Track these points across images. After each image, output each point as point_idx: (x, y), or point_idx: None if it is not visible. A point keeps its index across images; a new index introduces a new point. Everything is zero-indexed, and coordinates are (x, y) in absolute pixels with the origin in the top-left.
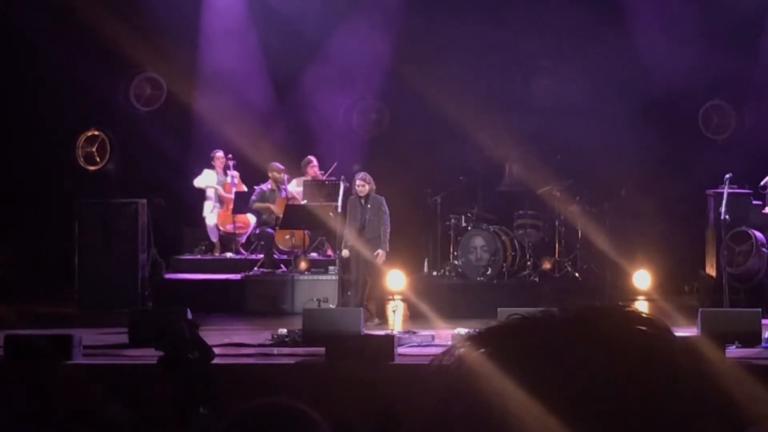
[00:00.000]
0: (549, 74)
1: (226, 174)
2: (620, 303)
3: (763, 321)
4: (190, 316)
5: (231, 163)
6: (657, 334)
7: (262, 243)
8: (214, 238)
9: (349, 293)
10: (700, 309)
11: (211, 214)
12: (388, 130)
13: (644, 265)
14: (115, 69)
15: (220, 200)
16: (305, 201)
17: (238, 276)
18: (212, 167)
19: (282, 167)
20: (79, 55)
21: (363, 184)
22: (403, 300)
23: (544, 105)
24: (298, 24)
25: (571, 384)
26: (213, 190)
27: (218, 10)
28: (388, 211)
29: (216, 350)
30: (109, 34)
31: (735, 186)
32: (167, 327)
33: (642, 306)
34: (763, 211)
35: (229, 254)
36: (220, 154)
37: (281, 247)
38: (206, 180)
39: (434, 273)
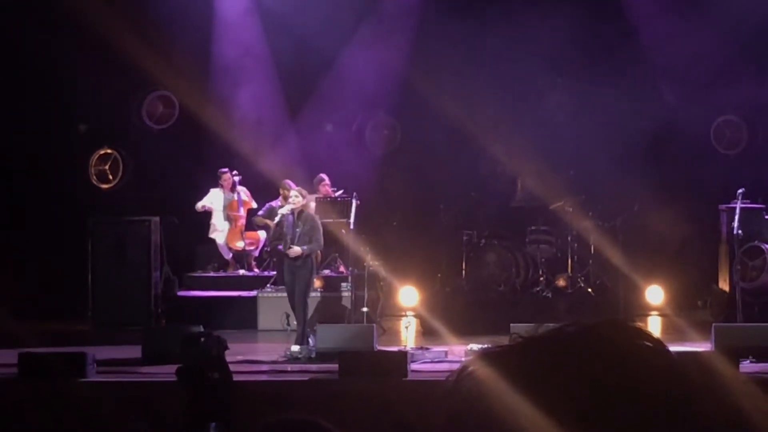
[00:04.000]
0: (561, 90)
1: (233, 191)
2: (621, 318)
3: None
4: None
5: (237, 179)
6: (659, 348)
7: (275, 260)
8: (227, 256)
9: (364, 309)
10: (713, 324)
11: (220, 234)
12: (400, 146)
13: (657, 281)
14: (128, 87)
15: (229, 218)
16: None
17: (250, 293)
18: (219, 186)
19: (293, 185)
20: (92, 74)
21: (297, 195)
22: (416, 316)
23: (556, 120)
24: (311, 40)
25: (582, 399)
26: (219, 211)
27: (231, 27)
28: (321, 230)
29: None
30: (122, 52)
31: (748, 201)
32: (196, 340)
33: (655, 321)
34: None
35: (241, 271)
36: (227, 174)
37: None
38: (210, 198)
39: (447, 289)
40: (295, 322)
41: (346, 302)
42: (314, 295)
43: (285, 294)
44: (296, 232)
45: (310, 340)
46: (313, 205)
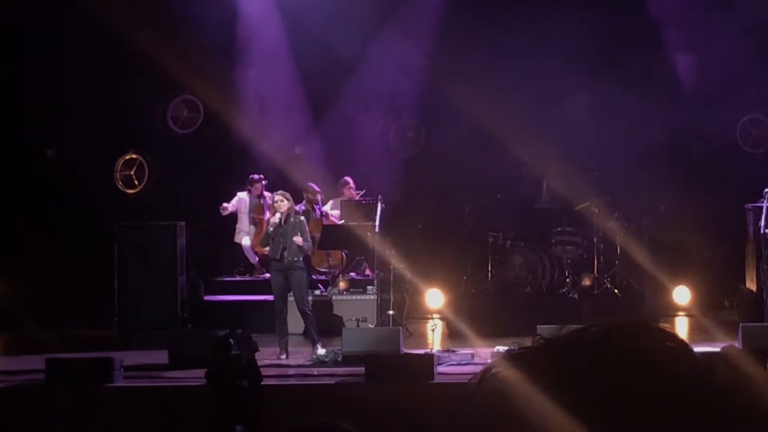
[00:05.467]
0: (585, 91)
1: (260, 197)
2: (645, 319)
3: None
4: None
5: (263, 183)
6: (684, 349)
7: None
8: (253, 260)
9: (390, 312)
10: (740, 324)
11: (246, 237)
12: (424, 148)
13: (684, 281)
14: (152, 92)
15: (254, 222)
16: (343, 221)
17: None
18: (247, 191)
19: (317, 189)
20: (117, 78)
21: (282, 200)
22: (442, 318)
23: (581, 121)
24: (334, 43)
25: (607, 401)
26: (245, 215)
27: (255, 32)
28: (309, 233)
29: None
30: (147, 57)
31: None
32: (226, 345)
33: (682, 321)
34: None
35: (267, 275)
36: (259, 184)
37: (318, 268)
38: (236, 202)
39: (472, 291)
40: (322, 326)
41: (372, 305)
42: (340, 298)
43: (313, 298)
44: (287, 237)
45: (319, 346)
46: (336, 212)
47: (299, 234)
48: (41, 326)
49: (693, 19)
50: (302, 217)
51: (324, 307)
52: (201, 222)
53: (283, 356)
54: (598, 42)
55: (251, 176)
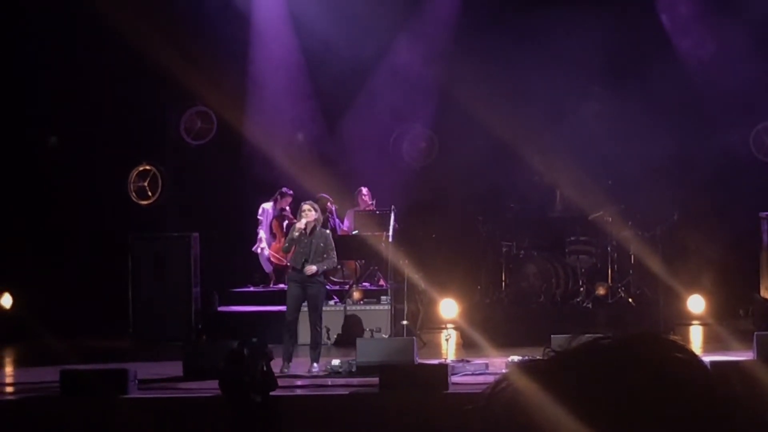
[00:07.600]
0: (598, 99)
1: (282, 210)
2: (655, 331)
3: None
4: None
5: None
6: (694, 361)
7: None
8: (267, 269)
9: (404, 322)
10: (755, 333)
11: (265, 246)
12: (437, 158)
13: (698, 289)
14: (166, 103)
15: (273, 233)
16: (356, 231)
17: None
18: (273, 201)
19: (329, 198)
20: (130, 90)
21: (309, 210)
22: (456, 328)
23: (593, 130)
24: (347, 53)
25: (618, 413)
26: (267, 224)
27: (267, 42)
28: (334, 246)
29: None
30: (160, 68)
31: None
32: (240, 356)
33: (697, 330)
34: None
35: (282, 285)
36: (289, 198)
37: (332, 278)
38: (263, 214)
39: (487, 301)
40: (337, 336)
41: (386, 315)
42: (354, 308)
43: (324, 309)
44: (311, 249)
45: (315, 365)
46: (346, 223)
47: (323, 247)
48: (56, 337)
49: (705, 27)
50: (328, 231)
51: (338, 317)
52: (214, 232)
53: (286, 369)
54: (610, 51)
55: (284, 189)
